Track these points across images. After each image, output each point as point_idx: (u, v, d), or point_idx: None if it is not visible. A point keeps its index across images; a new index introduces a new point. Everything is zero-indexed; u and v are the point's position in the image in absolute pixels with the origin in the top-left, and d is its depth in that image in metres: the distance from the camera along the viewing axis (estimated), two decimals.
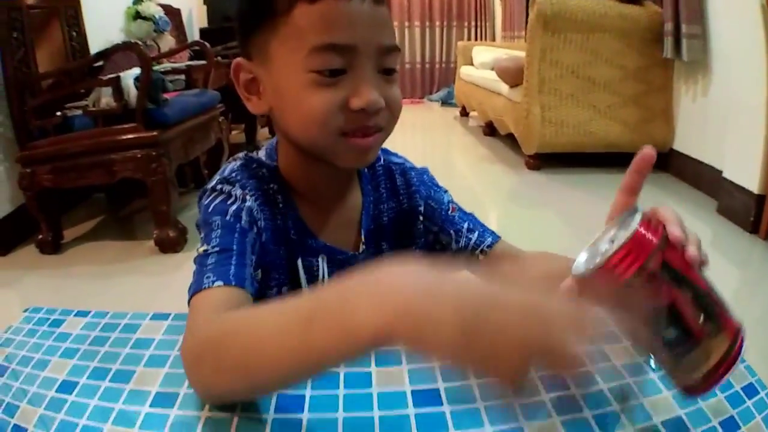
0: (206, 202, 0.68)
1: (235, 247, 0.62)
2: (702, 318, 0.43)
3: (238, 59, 0.69)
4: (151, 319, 0.67)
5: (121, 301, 2.01)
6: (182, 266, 2.29)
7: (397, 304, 0.37)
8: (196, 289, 0.57)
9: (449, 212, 0.82)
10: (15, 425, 0.51)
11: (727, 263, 2.30)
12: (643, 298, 0.43)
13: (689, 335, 0.43)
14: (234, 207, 0.66)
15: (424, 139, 4.92)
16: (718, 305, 0.44)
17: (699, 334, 0.43)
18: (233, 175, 0.70)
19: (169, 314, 0.68)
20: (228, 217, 0.65)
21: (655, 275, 0.42)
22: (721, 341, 0.43)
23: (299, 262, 0.73)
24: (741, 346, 0.44)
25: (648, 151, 0.53)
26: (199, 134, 2.78)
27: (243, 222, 0.65)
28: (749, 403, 0.52)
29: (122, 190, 2.78)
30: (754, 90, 2.46)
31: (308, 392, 0.53)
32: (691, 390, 0.45)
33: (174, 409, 0.51)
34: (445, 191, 0.85)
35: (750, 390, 0.54)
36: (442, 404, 0.51)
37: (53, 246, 2.47)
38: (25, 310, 0.72)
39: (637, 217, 0.44)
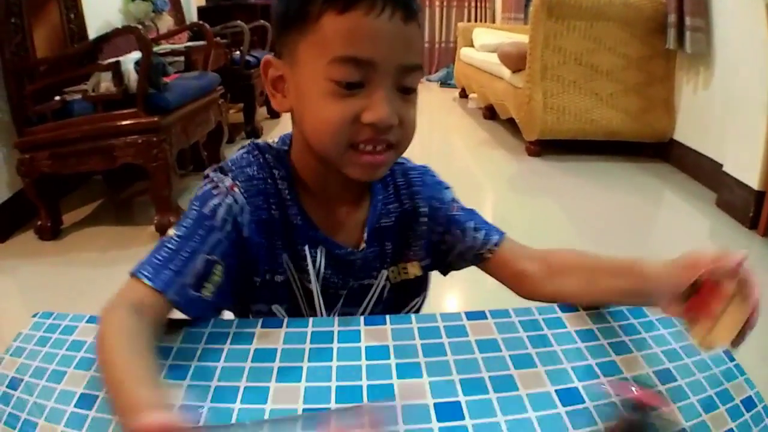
0: (201, 185, 0.71)
1: (188, 248, 0.65)
2: None
3: (269, 56, 0.71)
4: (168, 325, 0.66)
5: None
6: None
7: None
8: (135, 270, 0.63)
9: (452, 211, 0.82)
10: None
11: None
12: None
13: None
14: (214, 201, 0.68)
15: (422, 120, 4.74)
16: None
17: None
18: (229, 164, 0.73)
19: (184, 320, 0.67)
20: (205, 210, 0.68)
21: None
22: None
23: (306, 249, 0.74)
24: None
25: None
26: (199, 118, 2.76)
27: (217, 219, 0.67)
28: (747, 416, 0.53)
29: (121, 173, 2.76)
30: (756, 87, 2.47)
31: (333, 405, 0.53)
32: None
33: (201, 420, 0.52)
34: (447, 188, 0.85)
35: (748, 403, 0.55)
36: (464, 418, 0.52)
37: (52, 232, 2.45)
38: (34, 315, 0.71)
39: None
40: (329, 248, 0.75)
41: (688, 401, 0.55)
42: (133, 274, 0.63)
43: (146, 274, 0.62)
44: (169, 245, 0.65)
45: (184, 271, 0.64)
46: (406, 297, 0.84)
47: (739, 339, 0.51)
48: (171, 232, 0.67)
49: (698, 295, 0.52)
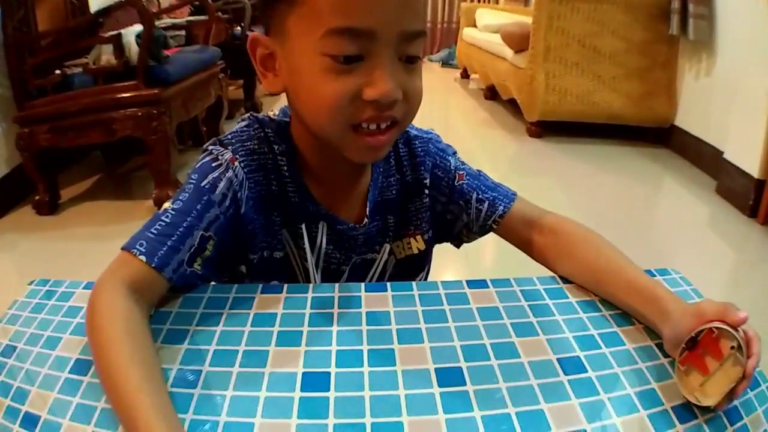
0: (200, 158, 0.69)
1: (185, 223, 0.62)
2: None
3: (256, 33, 0.66)
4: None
5: None
6: None
7: None
8: (128, 245, 0.60)
9: (456, 181, 0.79)
10: (27, 412, 0.49)
11: (723, 245, 2.32)
12: None
13: None
14: (215, 174, 0.66)
15: (423, 100, 4.78)
16: None
17: None
18: (229, 137, 0.71)
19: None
20: (204, 183, 0.65)
21: None
22: None
23: (303, 227, 0.72)
24: None
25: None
26: (199, 91, 2.74)
27: (216, 193, 0.65)
28: (751, 395, 0.53)
29: (120, 148, 2.75)
30: (758, 76, 2.47)
31: (333, 369, 0.53)
32: None
33: (198, 388, 0.51)
34: (453, 153, 0.82)
35: (752, 382, 0.55)
36: (465, 383, 0.52)
37: (50, 207, 2.43)
38: (30, 283, 0.69)
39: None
40: (331, 224, 0.73)
41: None
42: (127, 249, 0.59)
43: (141, 249, 0.59)
44: (165, 219, 0.62)
45: (180, 247, 0.61)
46: (409, 272, 0.82)
47: (724, 402, 0.49)
48: (167, 205, 0.64)
49: (696, 347, 0.51)
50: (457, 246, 0.86)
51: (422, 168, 0.78)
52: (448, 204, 0.80)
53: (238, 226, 0.68)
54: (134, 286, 0.57)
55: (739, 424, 0.50)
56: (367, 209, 0.74)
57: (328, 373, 0.52)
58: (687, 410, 0.50)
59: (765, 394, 0.54)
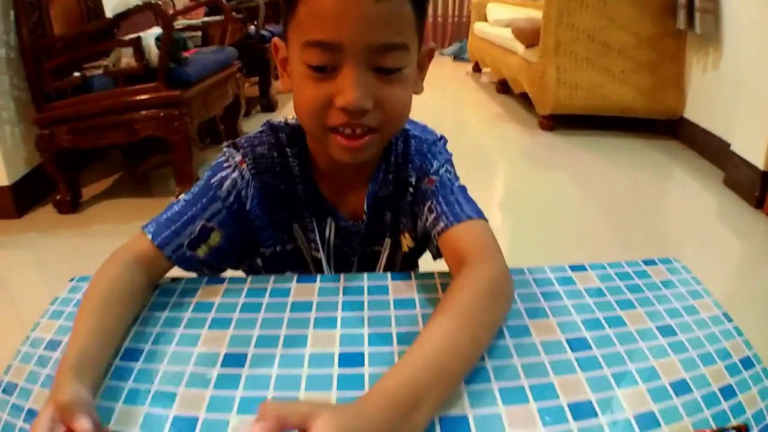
0: (218, 156, 0.78)
1: (190, 213, 0.73)
2: None
3: (276, 39, 0.74)
4: (207, 283, 0.72)
5: None
6: None
7: None
8: (145, 225, 0.72)
9: (426, 184, 0.77)
10: None
11: (730, 236, 2.36)
12: None
13: None
14: (223, 173, 0.75)
15: (435, 94, 4.88)
16: None
17: None
18: (243, 141, 0.79)
19: (225, 279, 0.73)
20: (213, 181, 0.75)
21: None
22: None
23: (313, 222, 0.80)
24: None
25: None
26: (218, 91, 2.81)
27: (222, 190, 0.74)
28: (746, 374, 0.57)
29: (138, 146, 2.81)
30: (764, 68, 2.50)
31: (366, 349, 0.59)
32: None
33: (245, 368, 0.57)
34: (446, 161, 0.79)
35: (746, 362, 0.59)
36: (483, 359, 0.56)
37: (71, 206, 2.50)
38: (72, 279, 0.75)
39: None
40: (336, 220, 0.80)
41: (687, 354, 0.59)
42: (142, 229, 0.71)
43: (150, 230, 0.71)
44: (176, 207, 0.73)
45: (182, 232, 0.71)
46: (404, 269, 0.88)
47: None
48: (182, 196, 0.75)
49: None
50: (434, 257, 0.84)
51: (410, 166, 0.80)
52: (413, 206, 0.81)
53: (244, 222, 0.77)
54: (138, 258, 0.69)
55: (733, 401, 0.54)
56: (365, 205, 0.79)
57: (362, 353, 0.58)
58: (683, 384, 0.55)
59: (760, 376, 0.57)
